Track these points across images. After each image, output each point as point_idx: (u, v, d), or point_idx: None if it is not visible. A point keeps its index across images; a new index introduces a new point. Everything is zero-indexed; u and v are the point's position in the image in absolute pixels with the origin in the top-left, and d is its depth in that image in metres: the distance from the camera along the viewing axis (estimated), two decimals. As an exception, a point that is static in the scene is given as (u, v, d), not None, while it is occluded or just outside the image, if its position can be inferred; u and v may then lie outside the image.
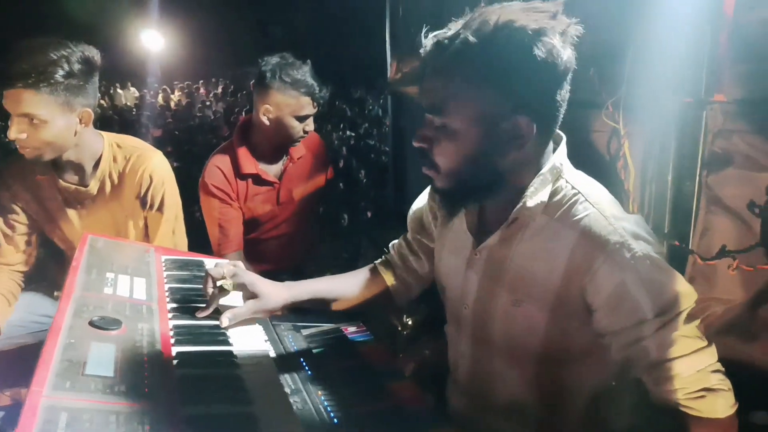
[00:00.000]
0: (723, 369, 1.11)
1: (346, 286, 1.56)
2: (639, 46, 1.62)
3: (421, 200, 1.53)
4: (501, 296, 1.22)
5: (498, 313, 1.23)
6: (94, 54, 1.82)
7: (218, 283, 1.35)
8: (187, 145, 9.29)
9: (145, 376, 1.03)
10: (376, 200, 6.46)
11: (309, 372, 1.35)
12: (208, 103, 12.72)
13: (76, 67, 1.76)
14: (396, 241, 1.62)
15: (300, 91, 2.28)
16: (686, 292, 1.08)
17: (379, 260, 1.63)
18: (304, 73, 2.30)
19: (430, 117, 1.14)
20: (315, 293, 1.50)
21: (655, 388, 1.10)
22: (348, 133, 10.52)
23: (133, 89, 14.18)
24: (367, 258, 3.13)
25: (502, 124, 1.09)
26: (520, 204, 1.15)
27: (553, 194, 1.17)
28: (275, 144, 2.40)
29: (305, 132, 2.38)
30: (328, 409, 1.18)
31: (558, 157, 1.19)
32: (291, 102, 2.29)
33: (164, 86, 13.55)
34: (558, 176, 1.18)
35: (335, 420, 1.13)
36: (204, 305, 1.37)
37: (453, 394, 1.45)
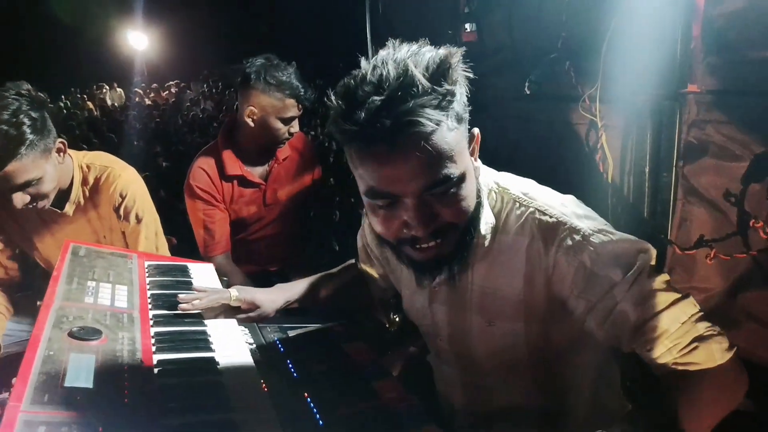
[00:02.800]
0: (707, 316, 1.08)
1: (331, 284, 1.63)
2: (613, 40, 1.63)
3: (361, 237, 1.57)
4: (473, 321, 1.23)
5: (475, 336, 1.24)
6: (28, 87, 1.74)
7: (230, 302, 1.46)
8: (176, 145, 9.26)
9: (126, 386, 1.04)
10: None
11: (296, 375, 1.36)
12: (196, 100, 12.67)
13: (33, 113, 1.70)
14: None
15: (284, 92, 2.27)
16: (643, 248, 1.08)
17: (357, 261, 1.66)
18: (289, 74, 2.28)
19: (424, 194, 1.01)
20: (305, 293, 1.58)
21: (649, 353, 1.05)
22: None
23: (119, 90, 14.11)
24: (356, 253, 3.14)
25: (469, 146, 1.08)
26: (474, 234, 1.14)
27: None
28: (260, 145, 2.39)
29: (290, 134, 2.37)
30: (314, 411, 1.18)
31: (482, 171, 1.18)
32: (276, 104, 2.28)
33: (153, 85, 13.51)
34: (489, 190, 1.18)
35: (320, 422, 1.14)
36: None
37: (452, 418, 1.44)
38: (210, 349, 1.27)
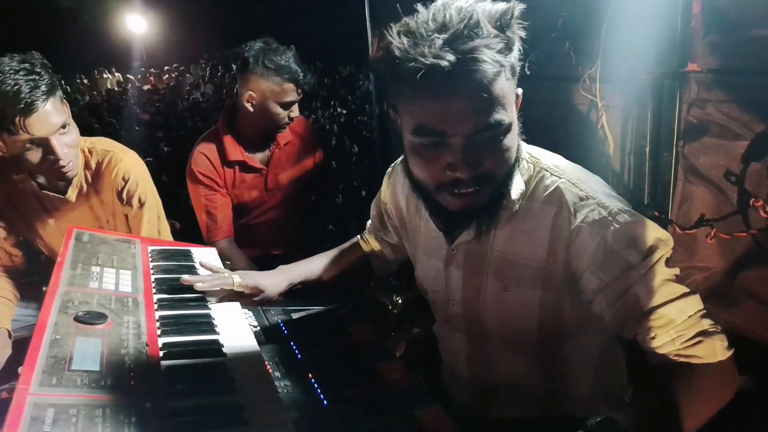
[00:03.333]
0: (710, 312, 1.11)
1: (332, 261, 1.66)
2: (613, 19, 1.62)
3: (378, 202, 1.59)
4: (488, 285, 1.24)
5: (488, 302, 1.25)
6: (40, 56, 1.79)
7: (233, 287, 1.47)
8: (177, 130, 9.23)
9: (132, 369, 1.05)
10: (370, 178, 6.45)
11: (299, 356, 1.38)
12: (196, 84, 12.62)
13: (44, 73, 1.73)
14: (369, 223, 1.68)
15: (283, 77, 2.26)
16: (664, 237, 1.10)
17: (360, 237, 1.69)
18: (287, 58, 2.27)
19: (474, 135, 1.03)
20: (306, 274, 1.61)
21: (651, 342, 1.08)
22: (338, 110, 10.46)
23: (117, 74, 14.03)
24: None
25: (516, 100, 1.10)
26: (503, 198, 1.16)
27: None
28: (260, 130, 2.40)
29: (291, 118, 2.37)
30: (318, 391, 1.20)
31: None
32: (275, 88, 2.27)
33: (151, 69, 13.44)
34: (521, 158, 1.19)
35: (325, 402, 1.16)
36: (193, 293, 1.44)
37: (455, 390, 1.46)
38: (214, 332, 1.29)
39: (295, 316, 1.58)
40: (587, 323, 1.22)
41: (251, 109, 2.31)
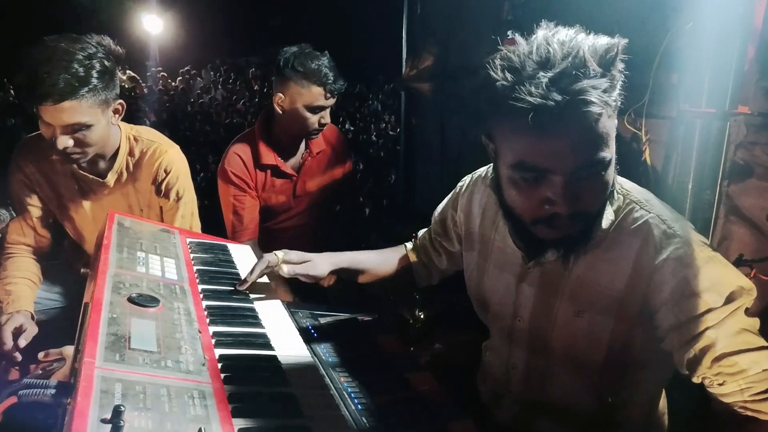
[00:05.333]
0: None
1: (377, 260, 1.66)
2: (665, 55, 1.65)
3: (446, 205, 1.58)
4: (561, 307, 1.24)
5: (558, 324, 1.25)
6: (110, 42, 1.80)
7: (276, 266, 1.46)
8: (184, 131, 9.25)
9: (187, 353, 1.05)
10: (375, 195, 6.47)
11: (329, 359, 1.38)
12: (207, 88, 12.65)
13: (106, 63, 1.74)
14: (423, 231, 1.67)
15: (312, 80, 2.26)
16: (748, 286, 1.09)
17: (409, 243, 1.69)
18: (319, 63, 2.27)
19: (576, 173, 1.03)
20: (351, 263, 1.60)
21: (719, 388, 1.07)
22: (347, 127, 10.53)
23: (129, 72, 13.99)
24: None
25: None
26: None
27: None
28: (292, 135, 2.40)
29: (321, 125, 2.36)
30: (352, 395, 1.20)
31: None
32: (303, 92, 2.27)
33: (162, 72, 13.46)
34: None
35: (359, 407, 1.15)
36: (234, 286, 1.45)
37: (498, 404, 1.46)
38: (261, 326, 1.29)
39: (322, 320, 1.58)
40: (654, 358, 1.21)
41: (280, 111, 2.33)
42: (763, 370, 1.05)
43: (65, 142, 1.71)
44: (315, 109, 2.32)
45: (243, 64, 13.31)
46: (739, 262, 1.54)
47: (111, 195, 2.03)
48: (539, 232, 1.13)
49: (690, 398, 1.34)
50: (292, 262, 1.48)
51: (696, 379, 1.11)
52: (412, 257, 1.67)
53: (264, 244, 2.47)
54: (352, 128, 10.43)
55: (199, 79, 13.32)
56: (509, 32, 2.39)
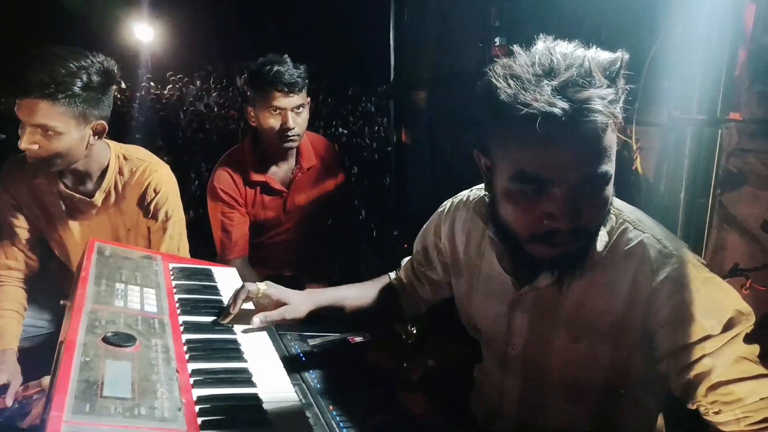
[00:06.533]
0: None
1: (360, 294, 1.59)
2: (654, 60, 1.61)
3: (427, 232, 1.52)
4: (557, 334, 1.20)
5: (555, 351, 1.21)
6: (113, 66, 1.79)
7: (256, 298, 1.41)
8: (178, 139, 9.22)
9: (163, 397, 1.01)
10: (371, 198, 6.45)
11: (318, 385, 1.35)
12: (199, 95, 12.62)
13: (95, 79, 1.72)
14: (405, 261, 1.63)
15: (264, 82, 2.21)
16: (746, 311, 1.06)
17: (393, 273, 1.63)
18: (270, 65, 2.21)
19: (578, 185, 0.99)
20: (334, 300, 1.53)
21: (715, 416, 1.05)
22: (340, 130, 10.50)
23: (120, 81, 13.91)
24: (368, 261, 3.12)
25: None
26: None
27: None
28: (273, 147, 2.33)
29: (287, 128, 2.24)
30: (341, 424, 1.17)
31: None
32: (259, 97, 2.23)
33: (153, 78, 13.44)
34: None
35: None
36: (217, 315, 1.41)
37: (497, 423, 1.41)
38: (242, 359, 1.25)
39: (311, 342, 1.55)
40: (653, 380, 1.17)
41: (253, 125, 2.31)
42: (761, 399, 1.02)
43: (28, 140, 1.69)
44: (274, 111, 2.25)
45: (236, 70, 13.28)
46: (734, 272, 1.50)
47: (99, 215, 2.00)
48: (536, 250, 1.07)
49: (688, 419, 1.32)
50: (270, 299, 1.42)
51: (691, 406, 1.08)
52: (398, 286, 1.62)
53: (254, 259, 2.44)
54: (345, 131, 10.41)
55: (191, 86, 13.29)
56: (497, 39, 2.38)
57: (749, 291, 1.46)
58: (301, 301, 1.44)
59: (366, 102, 11.88)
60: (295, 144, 2.33)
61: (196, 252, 2.27)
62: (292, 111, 2.25)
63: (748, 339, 1.05)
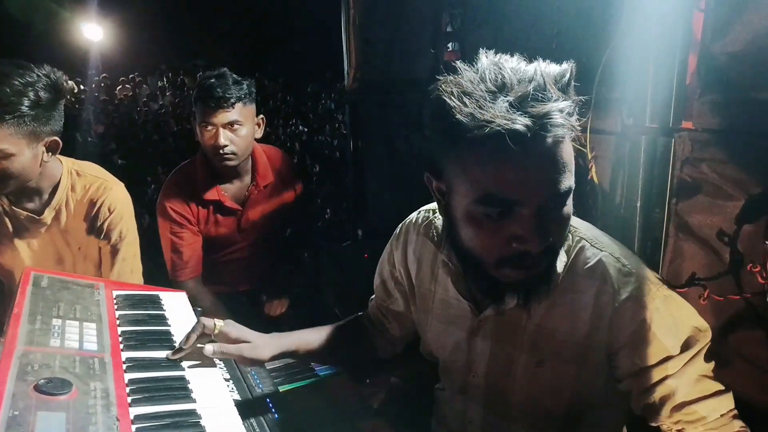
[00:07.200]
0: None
1: (329, 336, 1.48)
2: (606, 69, 1.59)
3: (382, 263, 1.47)
4: (520, 359, 1.17)
5: (519, 376, 1.18)
6: (60, 77, 1.69)
7: (213, 335, 1.30)
8: (132, 141, 8.99)
9: (101, 451, 0.95)
10: (334, 197, 6.39)
11: (276, 416, 1.30)
12: (153, 95, 12.33)
13: (43, 95, 1.62)
14: (371, 300, 1.57)
15: (198, 99, 2.16)
16: (704, 328, 1.07)
17: (363, 314, 1.58)
18: (206, 79, 2.16)
19: (546, 203, 0.95)
20: (300, 344, 1.43)
21: None
22: (300, 128, 10.39)
23: (71, 83, 13.52)
24: (330, 277, 3.05)
25: None
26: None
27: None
28: (215, 163, 2.25)
29: (218, 145, 2.14)
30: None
31: None
32: (197, 111, 2.18)
33: (105, 78, 13.08)
34: None
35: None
36: (165, 348, 1.33)
37: None
38: (190, 399, 1.17)
39: (269, 366, 1.52)
40: (617, 398, 1.17)
41: (197, 139, 2.25)
42: (722, 416, 1.05)
43: None
44: (206, 127, 2.16)
45: (190, 68, 13.00)
46: (691, 281, 1.50)
47: (48, 233, 1.90)
48: (503, 275, 1.03)
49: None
50: (228, 336, 1.30)
51: (653, 423, 1.09)
52: (368, 325, 1.55)
53: (208, 275, 2.36)
54: (306, 129, 10.31)
55: (144, 86, 12.97)
56: (449, 44, 2.35)
57: (707, 302, 1.46)
58: (263, 343, 1.34)
59: (326, 99, 11.78)
60: (232, 163, 2.22)
61: (151, 260, 2.19)
62: (224, 127, 2.15)
63: (707, 354, 1.07)
